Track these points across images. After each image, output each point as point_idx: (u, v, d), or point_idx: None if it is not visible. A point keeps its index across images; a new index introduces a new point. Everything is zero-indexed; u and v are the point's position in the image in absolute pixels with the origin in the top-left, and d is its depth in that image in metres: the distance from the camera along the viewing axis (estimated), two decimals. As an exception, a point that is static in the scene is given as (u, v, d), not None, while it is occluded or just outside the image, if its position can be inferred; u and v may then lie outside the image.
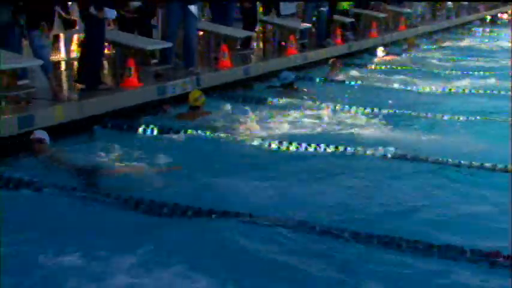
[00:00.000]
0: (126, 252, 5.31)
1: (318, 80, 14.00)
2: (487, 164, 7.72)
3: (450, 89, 13.35)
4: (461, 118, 10.50)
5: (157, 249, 5.40)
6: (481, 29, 27.07)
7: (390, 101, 11.83)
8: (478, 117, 10.43)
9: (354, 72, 15.31)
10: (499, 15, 32.74)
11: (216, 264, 5.25)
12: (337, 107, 11.10)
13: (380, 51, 17.42)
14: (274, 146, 8.60)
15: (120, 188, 6.76)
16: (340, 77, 14.40)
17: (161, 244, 5.53)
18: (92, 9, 9.75)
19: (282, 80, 12.32)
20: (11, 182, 6.81)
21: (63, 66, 11.85)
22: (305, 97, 11.82)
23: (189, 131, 9.03)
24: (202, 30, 13.68)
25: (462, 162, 7.84)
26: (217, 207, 6.22)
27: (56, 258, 5.21)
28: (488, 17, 31.39)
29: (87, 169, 7.25)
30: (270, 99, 11.63)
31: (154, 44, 11.53)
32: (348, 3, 18.55)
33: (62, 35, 11.93)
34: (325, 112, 10.75)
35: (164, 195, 6.58)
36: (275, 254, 5.52)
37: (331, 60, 14.87)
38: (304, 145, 8.50)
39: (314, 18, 16.78)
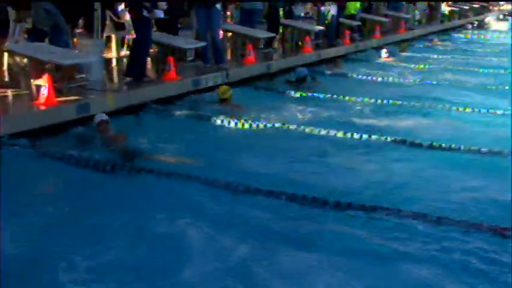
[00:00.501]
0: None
1: (329, 73, 13.95)
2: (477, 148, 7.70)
3: (443, 83, 13.30)
4: (447, 106, 10.56)
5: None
6: (470, 32, 26.77)
7: (388, 92, 11.83)
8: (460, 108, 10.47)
9: (359, 68, 15.24)
10: (485, 20, 32.40)
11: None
12: (344, 97, 11.15)
13: (383, 52, 17.27)
14: (292, 127, 8.69)
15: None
16: (345, 71, 14.33)
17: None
18: (145, 13, 9.90)
19: (297, 74, 12.38)
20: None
21: (114, 62, 11.93)
22: (316, 89, 11.86)
23: (219, 117, 9.06)
24: (231, 32, 13.74)
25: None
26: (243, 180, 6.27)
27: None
28: (476, 22, 31.04)
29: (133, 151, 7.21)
30: (287, 91, 11.70)
31: (190, 44, 11.57)
32: (355, 8, 18.44)
33: (113, 36, 12.01)
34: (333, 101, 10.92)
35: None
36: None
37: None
38: (317, 129, 8.56)
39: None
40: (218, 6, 11.73)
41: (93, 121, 7.66)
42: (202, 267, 4.59)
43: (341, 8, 17.22)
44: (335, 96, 11.33)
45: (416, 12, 25.03)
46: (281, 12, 15.77)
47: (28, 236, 5.02)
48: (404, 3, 23.54)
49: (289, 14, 16.03)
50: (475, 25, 29.73)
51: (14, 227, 5.10)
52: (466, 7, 32.31)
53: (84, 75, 9.75)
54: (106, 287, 4.31)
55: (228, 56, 13.39)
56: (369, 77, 13.92)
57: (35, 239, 5.00)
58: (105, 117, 7.65)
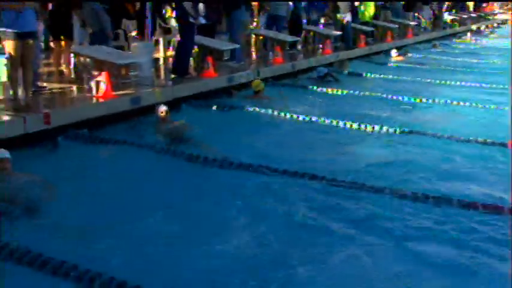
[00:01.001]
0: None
1: (346, 72, 13.79)
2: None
3: (445, 82, 13.04)
4: (454, 103, 10.36)
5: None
6: (469, 37, 26.32)
7: (396, 89, 11.65)
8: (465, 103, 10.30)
9: (372, 67, 15.03)
10: (482, 27, 31.78)
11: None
12: (357, 93, 11.06)
13: (393, 52, 17.06)
14: (313, 119, 8.64)
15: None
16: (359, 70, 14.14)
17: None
18: (191, 19, 9.90)
19: (318, 73, 12.30)
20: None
21: (161, 61, 11.92)
22: (333, 85, 11.76)
23: (251, 108, 9.10)
24: (261, 35, 13.63)
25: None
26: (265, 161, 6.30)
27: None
28: (474, 28, 30.47)
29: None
30: (309, 86, 11.65)
31: (226, 46, 11.52)
32: (370, 17, 18.17)
33: (161, 39, 12.03)
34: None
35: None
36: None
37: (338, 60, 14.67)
38: (334, 121, 8.51)
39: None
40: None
41: (155, 111, 7.66)
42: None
43: (354, 16, 17.01)
44: (351, 91, 11.22)
45: (422, 19, 24.62)
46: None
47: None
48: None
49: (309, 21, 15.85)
50: (474, 32, 29.11)
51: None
52: (465, 16, 31.76)
53: (136, 73, 9.79)
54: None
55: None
56: (380, 75, 13.73)
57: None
58: (165, 107, 7.64)
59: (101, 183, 5.68)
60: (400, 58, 16.70)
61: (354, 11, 17.15)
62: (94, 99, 8.08)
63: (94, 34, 9.25)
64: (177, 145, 6.94)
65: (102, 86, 8.09)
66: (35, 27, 7.39)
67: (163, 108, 7.60)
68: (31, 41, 7.26)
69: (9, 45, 7.07)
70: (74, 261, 3.93)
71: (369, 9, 17.91)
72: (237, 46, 11.53)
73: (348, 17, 16.38)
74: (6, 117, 6.84)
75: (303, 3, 15.26)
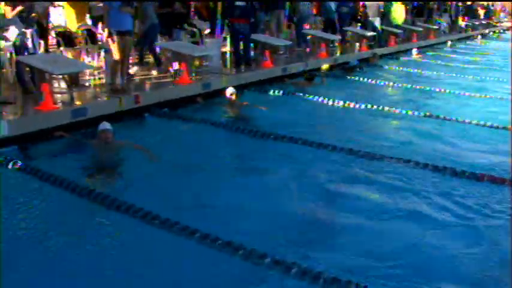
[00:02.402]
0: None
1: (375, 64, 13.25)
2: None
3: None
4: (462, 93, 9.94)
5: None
6: (479, 40, 25.11)
7: (419, 79, 11.22)
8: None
9: (399, 62, 14.46)
10: (490, 33, 30.24)
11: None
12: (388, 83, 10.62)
13: (414, 50, 16.32)
14: (339, 104, 8.35)
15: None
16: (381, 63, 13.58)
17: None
18: (252, 19, 9.86)
19: (350, 64, 12.01)
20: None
21: (228, 55, 11.68)
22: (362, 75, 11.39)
23: (300, 94, 8.82)
24: (310, 35, 13.19)
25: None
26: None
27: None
28: (485, 32, 29.01)
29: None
30: (347, 76, 11.33)
31: (280, 42, 11.23)
32: (402, 21, 17.25)
33: (228, 37, 11.77)
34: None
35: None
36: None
37: (371, 53, 13.99)
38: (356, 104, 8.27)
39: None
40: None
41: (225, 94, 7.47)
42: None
43: (382, 19, 16.29)
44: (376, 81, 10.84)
45: (443, 23, 23.57)
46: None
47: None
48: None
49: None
50: (483, 35, 27.73)
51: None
52: (477, 23, 30.28)
53: (207, 63, 9.61)
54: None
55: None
56: (404, 69, 13.13)
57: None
58: (234, 90, 7.43)
59: (178, 152, 5.63)
60: (420, 56, 15.90)
61: (382, 16, 16.42)
62: (173, 84, 7.95)
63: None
64: (242, 122, 6.79)
65: (180, 74, 7.96)
66: (131, 26, 7.33)
67: (232, 91, 7.38)
68: (128, 37, 7.18)
69: (112, 41, 7.01)
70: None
71: (401, 15, 17.04)
72: (289, 43, 11.18)
73: (376, 21, 15.73)
74: (105, 98, 6.82)
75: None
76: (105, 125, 5.18)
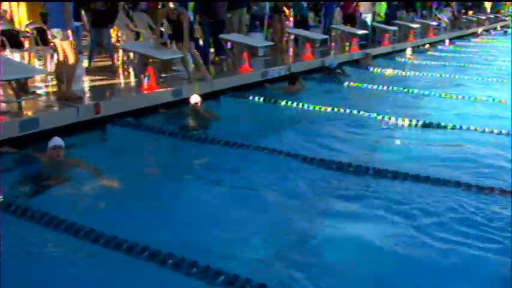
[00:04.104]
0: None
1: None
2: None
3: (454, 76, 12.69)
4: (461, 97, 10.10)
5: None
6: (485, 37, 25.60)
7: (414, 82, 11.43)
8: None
9: (393, 63, 14.72)
10: (498, 28, 30.80)
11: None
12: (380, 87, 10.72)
13: (408, 50, 16.57)
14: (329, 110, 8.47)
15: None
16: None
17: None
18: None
19: (329, 65, 11.98)
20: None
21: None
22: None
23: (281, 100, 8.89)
24: (293, 34, 13.35)
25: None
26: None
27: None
28: (495, 27, 29.63)
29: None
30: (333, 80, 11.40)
31: (260, 43, 11.36)
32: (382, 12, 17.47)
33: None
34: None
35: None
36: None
37: (364, 53, 14.20)
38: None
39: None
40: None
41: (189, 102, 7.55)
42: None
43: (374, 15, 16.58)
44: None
45: (442, 20, 23.96)
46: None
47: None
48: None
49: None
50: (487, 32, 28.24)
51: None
52: (483, 17, 30.78)
53: (178, 67, 9.67)
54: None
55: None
56: (397, 71, 13.28)
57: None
58: (199, 97, 7.51)
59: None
60: (414, 57, 16.12)
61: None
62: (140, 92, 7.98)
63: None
64: (210, 132, 6.87)
65: (147, 80, 7.98)
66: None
67: (197, 99, 7.46)
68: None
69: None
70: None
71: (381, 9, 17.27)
72: (271, 43, 11.35)
73: (368, 19, 15.96)
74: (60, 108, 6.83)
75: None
76: (56, 141, 5.15)
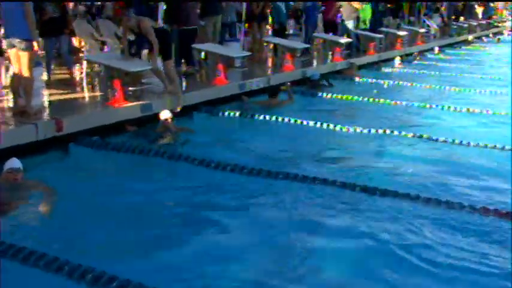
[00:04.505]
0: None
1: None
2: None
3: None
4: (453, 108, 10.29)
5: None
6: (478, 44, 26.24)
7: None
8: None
9: (380, 73, 14.95)
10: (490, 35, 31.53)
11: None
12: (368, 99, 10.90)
13: (397, 59, 16.86)
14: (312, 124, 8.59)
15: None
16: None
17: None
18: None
19: (312, 77, 12.08)
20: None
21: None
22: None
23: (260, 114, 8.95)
24: (272, 43, 13.51)
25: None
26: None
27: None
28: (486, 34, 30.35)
29: None
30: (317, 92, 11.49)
31: (237, 53, 11.46)
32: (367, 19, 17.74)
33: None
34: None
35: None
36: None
37: (348, 63, 14.44)
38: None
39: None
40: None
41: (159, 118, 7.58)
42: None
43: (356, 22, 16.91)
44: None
45: (432, 27, 24.48)
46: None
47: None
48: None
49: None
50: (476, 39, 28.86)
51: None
52: (475, 23, 31.37)
53: (147, 80, 9.71)
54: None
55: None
56: (383, 81, 13.54)
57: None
58: (169, 113, 7.55)
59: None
60: (402, 66, 16.42)
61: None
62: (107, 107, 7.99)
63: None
64: (181, 151, 6.91)
65: (115, 94, 7.99)
66: None
67: (167, 114, 7.50)
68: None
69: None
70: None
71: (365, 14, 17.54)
72: (249, 54, 11.45)
73: (350, 25, 16.26)
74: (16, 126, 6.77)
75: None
76: (13, 163, 5.10)
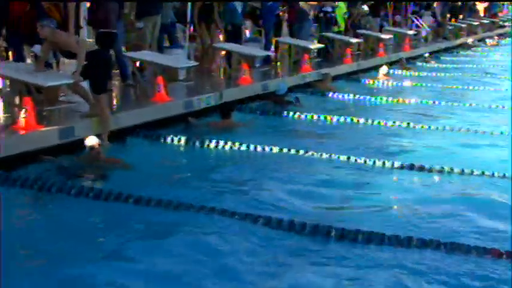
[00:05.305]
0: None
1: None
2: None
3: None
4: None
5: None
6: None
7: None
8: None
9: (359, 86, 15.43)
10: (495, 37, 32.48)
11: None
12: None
13: (383, 69, 17.28)
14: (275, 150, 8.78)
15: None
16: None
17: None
18: None
19: (278, 91, 12.36)
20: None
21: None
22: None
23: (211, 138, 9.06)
24: (225, 50, 13.72)
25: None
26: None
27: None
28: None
29: None
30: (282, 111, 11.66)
31: (180, 63, 11.62)
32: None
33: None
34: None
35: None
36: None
37: (319, 74, 14.88)
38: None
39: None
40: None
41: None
42: None
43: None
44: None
45: (422, 27, 25.04)
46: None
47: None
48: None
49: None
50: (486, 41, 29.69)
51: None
52: (476, 23, 32.10)
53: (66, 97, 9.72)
54: None
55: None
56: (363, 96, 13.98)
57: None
58: (95, 139, 7.61)
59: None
60: (387, 77, 16.85)
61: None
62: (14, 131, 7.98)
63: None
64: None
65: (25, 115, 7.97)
66: None
67: (93, 141, 7.57)
68: None
69: None
70: None
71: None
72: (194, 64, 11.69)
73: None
74: None
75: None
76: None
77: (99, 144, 7.57)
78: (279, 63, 15.97)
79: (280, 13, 16.42)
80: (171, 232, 5.88)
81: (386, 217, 6.52)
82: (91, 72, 8.55)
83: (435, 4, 27.69)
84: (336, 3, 17.58)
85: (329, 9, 17.66)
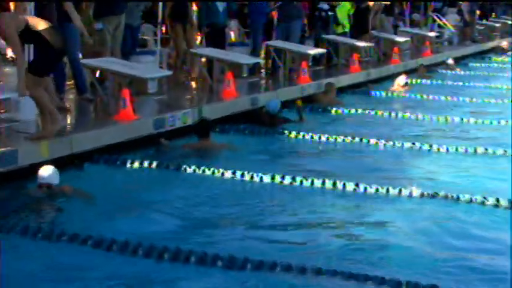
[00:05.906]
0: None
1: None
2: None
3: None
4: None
5: None
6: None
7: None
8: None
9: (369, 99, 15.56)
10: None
11: None
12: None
13: (401, 79, 17.29)
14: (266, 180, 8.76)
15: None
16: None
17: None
18: None
19: (269, 109, 12.18)
20: None
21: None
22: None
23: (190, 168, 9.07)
24: (204, 56, 13.74)
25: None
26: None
27: None
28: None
29: None
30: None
31: (152, 73, 11.65)
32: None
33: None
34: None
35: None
36: None
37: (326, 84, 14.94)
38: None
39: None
40: None
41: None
42: None
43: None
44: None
45: (446, 28, 25.15)
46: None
47: None
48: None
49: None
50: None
51: None
52: (497, 24, 31.82)
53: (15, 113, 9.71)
54: None
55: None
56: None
57: None
58: (53, 170, 7.61)
59: None
60: (404, 89, 16.97)
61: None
62: None
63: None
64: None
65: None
66: None
67: (49, 172, 7.56)
68: None
69: None
70: None
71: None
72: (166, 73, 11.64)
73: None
74: None
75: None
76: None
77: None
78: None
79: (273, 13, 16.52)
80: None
81: (387, 257, 6.56)
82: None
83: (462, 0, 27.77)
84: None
85: (325, 6, 17.69)
